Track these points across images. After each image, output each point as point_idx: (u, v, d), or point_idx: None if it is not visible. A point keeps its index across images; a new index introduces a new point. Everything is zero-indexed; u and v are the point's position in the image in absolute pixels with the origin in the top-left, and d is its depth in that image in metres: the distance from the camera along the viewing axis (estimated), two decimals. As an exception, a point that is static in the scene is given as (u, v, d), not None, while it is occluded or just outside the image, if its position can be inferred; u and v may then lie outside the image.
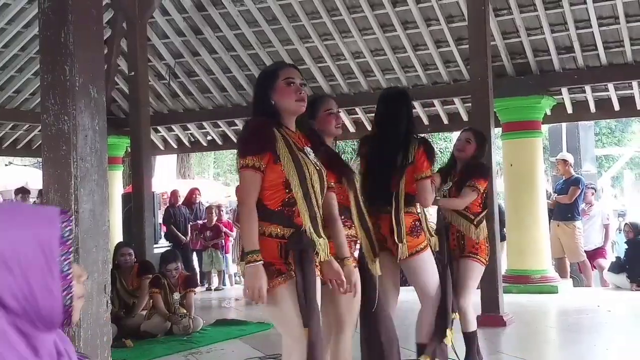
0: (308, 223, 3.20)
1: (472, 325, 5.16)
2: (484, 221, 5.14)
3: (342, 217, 3.85)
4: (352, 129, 11.73)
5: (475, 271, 5.12)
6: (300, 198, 3.18)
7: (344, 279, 3.33)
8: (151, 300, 7.56)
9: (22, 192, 12.61)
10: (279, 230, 3.17)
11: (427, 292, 4.54)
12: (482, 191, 5.10)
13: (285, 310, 3.17)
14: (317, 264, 3.28)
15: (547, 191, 11.14)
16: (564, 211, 10.49)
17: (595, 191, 11.41)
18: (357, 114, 11.60)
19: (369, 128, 11.65)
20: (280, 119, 3.28)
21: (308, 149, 3.35)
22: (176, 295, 7.62)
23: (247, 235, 3.15)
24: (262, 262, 3.08)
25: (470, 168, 5.16)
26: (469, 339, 5.17)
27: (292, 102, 3.27)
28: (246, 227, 3.15)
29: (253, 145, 3.18)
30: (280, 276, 3.15)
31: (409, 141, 4.52)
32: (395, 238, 4.41)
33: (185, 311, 7.57)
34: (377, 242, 4.18)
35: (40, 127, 3.54)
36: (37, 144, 13.09)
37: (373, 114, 11.60)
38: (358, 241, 4.02)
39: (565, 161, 10.92)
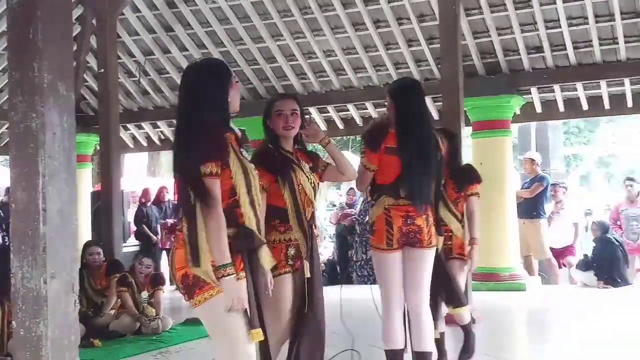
0: (254, 227, 3.15)
1: (468, 317, 5.35)
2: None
3: (277, 221, 3.91)
4: (323, 127, 11.72)
5: (461, 270, 5.21)
6: (247, 204, 3.13)
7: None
8: (119, 300, 7.51)
9: None
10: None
11: (426, 290, 4.51)
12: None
13: (229, 319, 3.05)
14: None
15: None
16: (530, 209, 10.59)
17: (566, 190, 11.53)
18: (329, 112, 11.60)
19: (341, 127, 11.70)
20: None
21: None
22: (144, 294, 7.58)
23: (223, 247, 3.00)
24: (235, 275, 3.00)
25: (465, 174, 5.34)
26: (467, 329, 5.38)
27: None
28: (222, 237, 3.01)
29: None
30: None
31: (435, 135, 4.54)
32: (436, 231, 4.50)
33: (154, 310, 7.54)
34: (404, 236, 4.30)
35: (7, 125, 3.49)
36: (5, 142, 12.93)
37: (344, 112, 11.68)
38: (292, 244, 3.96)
39: (532, 160, 11.03)
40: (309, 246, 3.93)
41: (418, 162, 4.34)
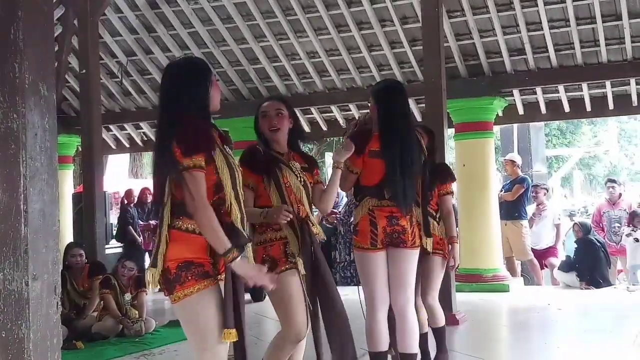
0: (239, 223, 3.15)
1: (442, 320, 5.28)
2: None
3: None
4: (307, 128, 11.73)
5: (442, 267, 5.21)
6: (232, 199, 3.14)
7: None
8: (102, 302, 7.47)
9: None
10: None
11: (412, 291, 4.54)
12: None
13: (205, 319, 3.05)
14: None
15: None
16: (511, 210, 10.65)
17: (547, 191, 11.60)
18: (312, 113, 11.60)
19: (324, 128, 11.70)
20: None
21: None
22: (127, 296, 7.55)
23: (220, 234, 3.01)
24: (239, 256, 3.02)
25: (439, 172, 5.31)
26: (440, 334, 5.29)
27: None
28: (216, 226, 3.01)
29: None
30: (206, 279, 3.05)
31: (417, 135, 4.61)
32: (424, 233, 4.57)
33: (137, 313, 7.51)
34: (387, 236, 4.34)
35: (-12, 125, 3.46)
36: (-15, 143, 12.81)
37: (327, 114, 11.69)
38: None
39: (512, 162, 11.10)
40: (303, 243, 3.89)
41: (401, 164, 4.37)
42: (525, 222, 10.73)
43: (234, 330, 3.05)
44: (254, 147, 4.04)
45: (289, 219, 3.74)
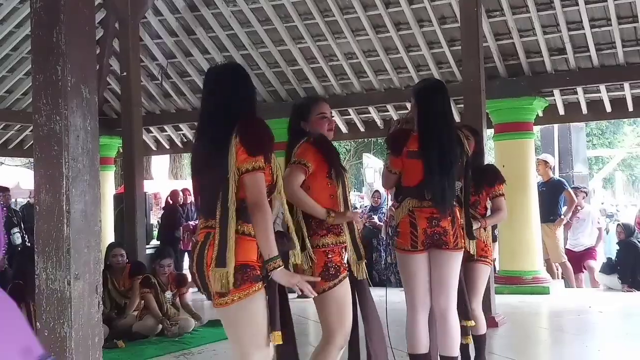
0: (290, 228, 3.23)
1: (483, 328, 5.20)
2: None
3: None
4: (344, 129, 11.73)
5: (486, 274, 5.12)
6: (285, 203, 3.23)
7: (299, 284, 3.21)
8: (142, 301, 7.55)
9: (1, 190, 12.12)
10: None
11: (454, 294, 4.49)
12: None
13: (257, 321, 3.10)
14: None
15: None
16: (547, 213, 10.51)
17: (587, 194, 11.41)
18: (350, 114, 11.60)
19: (362, 129, 11.69)
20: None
21: None
22: (168, 294, 7.61)
23: (271, 240, 3.04)
24: (281, 266, 3.06)
25: (488, 174, 5.22)
26: (481, 342, 5.19)
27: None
28: (271, 230, 3.05)
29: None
30: (258, 282, 3.08)
31: (460, 135, 4.52)
32: (467, 235, 4.50)
33: (177, 312, 7.58)
34: (428, 237, 4.30)
35: (32, 127, 3.53)
36: (29, 144, 13.05)
37: (365, 115, 11.66)
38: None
39: (545, 162, 10.92)
40: (364, 249, 3.92)
41: (440, 165, 4.32)
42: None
43: (280, 333, 3.11)
44: (324, 137, 3.93)
45: (360, 226, 3.73)
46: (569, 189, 10.73)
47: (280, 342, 3.13)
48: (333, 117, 4.08)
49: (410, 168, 4.41)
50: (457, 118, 10.71)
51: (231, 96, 3.18)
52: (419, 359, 4.42)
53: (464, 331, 4.71)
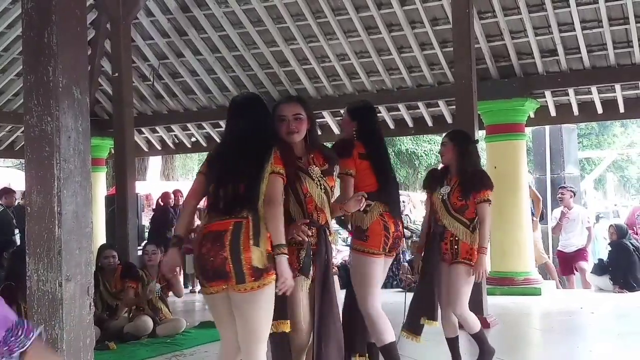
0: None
1: (476, 326, 5.18)
2: (477, 227, 5.10)
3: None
4: (336, 130, 11.72)
5: (468, 274, 5.07)
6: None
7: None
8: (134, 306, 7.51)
9: (6, 192, 12.12)
10: None
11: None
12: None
13: (273, 304, 3.53)
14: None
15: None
16: None
17: (574, 194, 11.42)
18: (342, 116, 11.56)
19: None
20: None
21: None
22: (157, 286, 7.47)
23: (281, 229, 3.48)
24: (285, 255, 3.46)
25: (475, 179, 5.15)
26: (478, 339, 5.22)
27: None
28: (281, 222, 3.50)
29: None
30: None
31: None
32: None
33: (166, 309, 7.55)
34: (393, 242, 4.50)
35: (23, 128, 3.51)
36: (20, 145, 13.00)
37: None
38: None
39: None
40: (318, 251, 3.86)
41: (387, 168, 4.66)
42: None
43: (287, 321, 3.65)
44: (291, 147, 3.90)
45: (307, 237, 3.75)
46: (533, 188, 10.78)
47: (288, 330, 3.64)
48: (300, 117, 3.91)
49: (363, 170, 4.49)
50: (449, 119, 10.76)
51: (263, 120, 3.77)
52: (391, 346, 4.46)
53: (419, 330, 4.98)
